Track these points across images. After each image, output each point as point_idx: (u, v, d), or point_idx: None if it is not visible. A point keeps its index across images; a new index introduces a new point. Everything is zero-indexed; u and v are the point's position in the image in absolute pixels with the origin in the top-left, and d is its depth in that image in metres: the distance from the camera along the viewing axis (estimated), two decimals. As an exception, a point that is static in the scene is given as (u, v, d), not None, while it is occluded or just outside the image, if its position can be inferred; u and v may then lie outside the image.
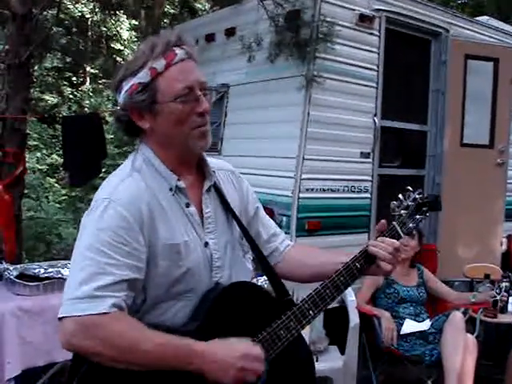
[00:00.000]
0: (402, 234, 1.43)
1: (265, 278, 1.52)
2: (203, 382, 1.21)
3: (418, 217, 1.47)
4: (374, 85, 3.98)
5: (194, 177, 1.39)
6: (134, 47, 11.79)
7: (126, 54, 12.21)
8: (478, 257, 4.31)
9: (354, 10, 3.85)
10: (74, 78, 12.81)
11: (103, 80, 12.53)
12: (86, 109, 11.83)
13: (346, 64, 3.82)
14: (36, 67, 8.25)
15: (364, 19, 3.88)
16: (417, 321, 3.39)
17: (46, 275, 2.73)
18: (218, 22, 4.64)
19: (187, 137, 1.30)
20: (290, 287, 1.44)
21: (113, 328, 1.14)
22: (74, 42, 9.45)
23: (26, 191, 5.29)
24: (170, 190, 1.31)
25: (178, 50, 1.29)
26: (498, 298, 3.39)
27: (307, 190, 3.67)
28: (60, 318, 1.15)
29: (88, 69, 12.58)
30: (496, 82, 4.56)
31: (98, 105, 11.78)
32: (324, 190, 3.76)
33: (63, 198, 9.30)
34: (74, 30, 9.85)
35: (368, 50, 3.94)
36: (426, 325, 3.35)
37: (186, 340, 1.19)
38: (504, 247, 4.78)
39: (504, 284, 3.45)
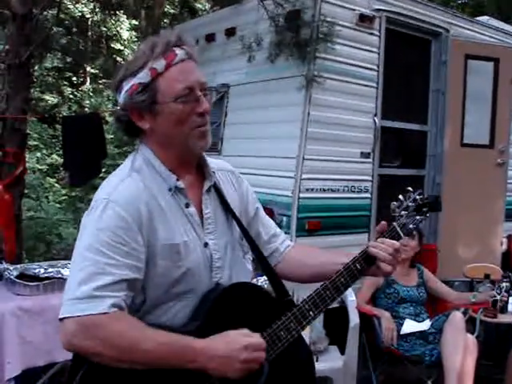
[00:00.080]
0: (402, 235, 1.42)
1: (265, 278, 1.51)
2: (204, 378, 1.21)
3: (418, 217, 1.46)
4: (375, 85, 3.98)
5: (193, 177, 1.39)
6: (134, 47, 11.79)
7: (126, 54, 12.21)
8: (478, 257, 4.30)
9: (354, 9, 3.85)
10: (74, 78, 12.81)
11: (103, 80, 12.53)
12: (86, 109, 11.83)
13: (346, 64, 3.82)
14: (36, 67, 8.24)
15: (364, 19, 3.88)
16: (417, 321, 3.39)
17: (46, 275, 2.73)
18: (218, 21, 4.64)
19: (187, 137, 1.30)
20: (290, 288, 1.44)
21: (113, 328, 1.14)
22: (74, 42, 9.45)
23: (26, 191, 5.29)
24: (170, 190, 1.31)
25: (178, 51, 1.29)
26: (499, 297, 3.39)
27: (307, 190, 3.67)
28: (61, 319, 1.15)
29: (88, 69, 12.58)
30: (496, 82, 4.55)
31: (98, 105, 11.78)
32: (324, 190, 3.76)
33: (63, 197, 9.30)
34: (74, 30, 9.84)
35: (368, 50, 3.94)
36: (426, 325, 3.35)
37: (187, 338, 1.19)
38: (504, 247, 4.78)
39: (504, 284, 3.45)
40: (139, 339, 1.15)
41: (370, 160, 4.00)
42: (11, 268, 2.78)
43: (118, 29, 11.65)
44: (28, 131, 5.02)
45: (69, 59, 11.03)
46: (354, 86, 3.86)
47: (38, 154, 9.90)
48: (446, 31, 4.45)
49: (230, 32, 4.37)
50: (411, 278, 3.59)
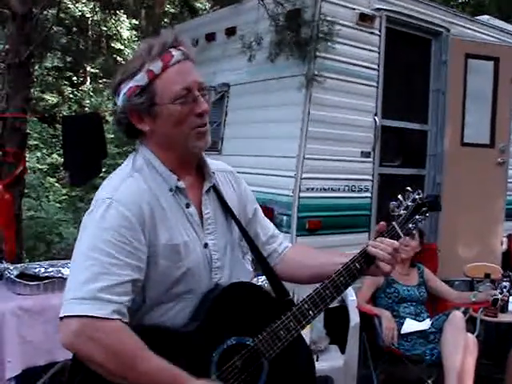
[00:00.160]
0: (401, 235, 1.42)
1: (264, 277, 1.52)
2: None
3: (417, 217, 1.46)
4: (375, 84, 3.98)
5: (193, 178, 1.39)
6: (135, 47, 11.79)
7: (126, 53, 12.21)
8: (478, 256, 4.30)
9: (354, 9, 3.84)
10: (75, 78, 12.80)
11: (103, 79, 12.53)
12: (86, 108, 11.83)
13: (346, 63, 3.81)
14: (36, 67, 8.24)
15: (364, 18, 3.87)
16: (417, 320, 3.39)
17: (46, 275, 2.73)
18: (219, 21, 4.63)
19: (187, 138, 1.30)
20: (291, 288, 1.44)
21: (112, 336, 1.13)
22: (74, 42, 9.44)
23: (26, 191, 5.30)
24: (170, 190, 1.31)
25: (174, 52, 1.29)
26: (500, 297, 3.39)
27: (307, 189, 3.66)
28: (61, 318, 1.14)
29: (88, 68, 12.57)
30: (496, 82, 4.55)
31: (98, 104, 11.79)
32: (324, 190, 3.76)
33: (63, 197, 9.30)
34: (75, 29, 9.83)
35: (368, 50, 3.93)
36: (426, 324, 3.35)
37: (185, 374, 1.17)
38: (504, 246, 4.78)
39: (505, 283, 3.45)
40: (138, 356, 1.14)
41: (371, 159, 4.00)
42: (11, 267, 2.78)
43: (119, 28, 11.64)
44: (28, 131, 5.03)
45: (69, 59, 11.03)
46: (354, 86, 3.86)
47: (38, 154, 9.91)
48: (447, 30, 4.44)
49: (230, 31, 4.36)
50: (411, 278, 3.59)
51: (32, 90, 5.91)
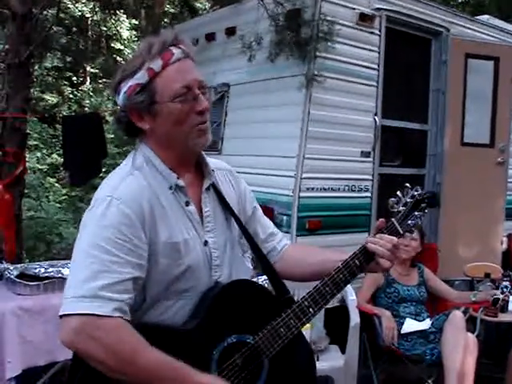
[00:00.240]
0: (400, 231, 1.42)
1: (265, 277, 1.52)
2: None
3: (416, 213, 1.46)
4: (375, 84, 3.98)
5: (193, 176, 1.39)
6: (134, 47, 11.79)
7: (126, 53, 12.21)
8: (478, 256, 4.30)
9: (354, 9, 3.85)
10: (74, 78, 12.81)
11: (103, 79, 12.53)
12: (86, 108, 11.83)
13: (346, 63, 3.81)
14: (36, 67, 8.23)
15: (364, 18, 3.88)
16: (417, 320, 3.39)
17: (46, 275, 2.73)
18: (219, 21, 4.63)
19: (187, 136, 1.30)
20: (291, 287, 1.44)
21: (113, 333, 1.13)
22: (74, 42, 9.44)
23: (26, 191, 5.30)
24: (170, 188, 1.31)
25: (174, 50, 1.29)
26: (501, 297, 3.39)
27: (308, 189, 3.67)
28: (61, 316, 1.14)
29: (88, 68, 12.57)
30: (496, 81, 4.55)
31: (98, 104, 11.79)
32: (324, 189, 3.76)
33: (63, 197, 9.30)
34: (74, 29, 9.83)
35: (368, 49, 3.93)
36: (426, 324, 3.35)
37: (186, 367, 1.17)
38: (504, 246, 4.78)
39: (505, 283, 3.45)
40: (138, 352, 1.14)
41: (371, 159, 4.00)
42: (11, 268, 2.78)
43: (118, 28, 11.64)
44: (28, 131, 5.03)
45: (69, 59, 11.03)
46: (354, 85, 3.86)
47: (38, 154, 9.91)
48: (447, 30, 4.44)
49: (230, 31, 4.36)
50: (412, 278, 3.59)
51: (32, 90, 5.92)
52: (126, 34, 12.49)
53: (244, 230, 1.45)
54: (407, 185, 1.48)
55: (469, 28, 4.63)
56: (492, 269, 3.91)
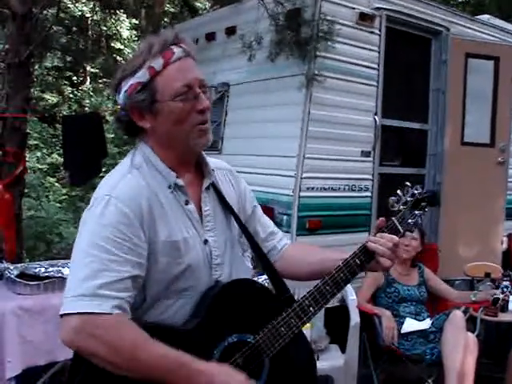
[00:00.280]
0: (401, 230, 1.42)
1: (265, 277, 1.52)
2: None
3: (416, 212, 1.46)
4: (375, 83, 3.98)
5: (192, 175, 1.39)
6: (134, 46, 11.78)
7: (126, 53, 12.20)
8: (478, 255, 4.30)
9: (354, 8, 3.84)
10: (75, 78, 12.81)
11: (103, 79, 12.53)
12: (86, 108, 11.83)
13: (346, 63, 3.81)
14: (36, 66, 8.24)
15: (364, 18, 3.88)
16: (417, 320, 3.39)
17: (46, 274, 2.72)
18: (219, 20, 4.63)
19: (188, 135, 1.30)
20: (291, 286, 1.44)
21: (114, 330, 1.13)
22: (74, 42, 9.44)
23: (26, 190, 5.30)
24: (169, 187, 1.31)
25: (175, 49, 1.29)
26: (501, 297, 3.39)
27: (308, 188, 3.67)
28: (62, 315, 1.15)
29: (88, 68, 12.57)
30: (496, 81, 4.55)
31: (98, 104, 11.79)
32: (325, 189, 3.76)
33: (63, 197, 9.31)
34: (74, 29, 9.81)
35: (368, 49, 3.93)
36: (426, 324, 3.35)
37: (187, 356, 1.17)
38: (505, 246, 4.78)
39: (506, 283, 3.45)
40: (140, 347, 1.14)
41: (371, 159, 4.00)
42: (11, 267, 2.78)
43: (118, 28, 11.64)
44: (28, 130, 5.03)
45: (69, 58, 11.02)
46: (354, 85, 3.86)
47: (39, 154, 9.91)
48: (447, 30, 4.44)
49: (230, 31, 4.36)
50: (412, 278, 3.59)
51: (32, 90, 5.92)
52: (126, 33, 12.49)
53: (244, 229, 1.45)
54: (407, 183, 1.48)
55: (469, 28, 4.62)
56: (492, 268, 3.91)
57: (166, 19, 10.62)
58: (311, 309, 1.34)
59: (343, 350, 3.21)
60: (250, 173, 3.60)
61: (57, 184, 9.69)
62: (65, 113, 11.03)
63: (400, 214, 1.43)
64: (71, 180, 5.10)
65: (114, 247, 1.18)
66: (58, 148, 9.90)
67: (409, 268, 3.61)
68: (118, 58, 11.77)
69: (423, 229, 3.68)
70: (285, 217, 3.66)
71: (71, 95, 12.40)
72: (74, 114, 11.20)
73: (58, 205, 8.74)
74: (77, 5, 9.89)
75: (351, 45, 3.84)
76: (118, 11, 9.82)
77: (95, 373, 1.15)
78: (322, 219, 3.71)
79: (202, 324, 1.26)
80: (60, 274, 2.71)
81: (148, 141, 1.34)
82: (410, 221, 1.45)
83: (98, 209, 1.22)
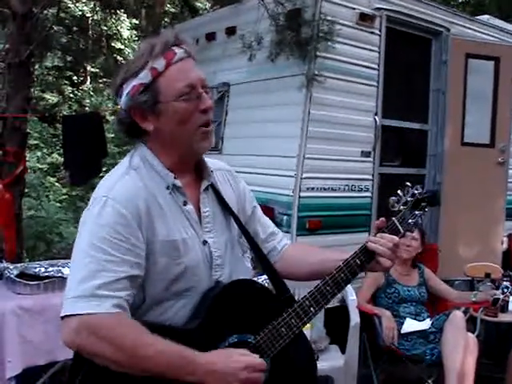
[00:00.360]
0: (401, 230, 1.42)
1: (265, 277, 1.52)
2: None
3: (417, 212, 1.46)
4: (375, 84, 3.98)
5: (191, 177, 1.39)
6: (135, 46, 11.79)
7: (126, 53, 12.22)
8: (478, 256, 4.30)
9: (354, 8, 3.85)
10: (75, 77, 12.81)
11: (104, 79, 12.54)
12: (86, 108, 11.83)
13: (346, 63, 3.82)
14: (36, 66, 8.23)
15: (365, 18, 3.88)
16: (417, 320, 3.39)
17: (46, 274, 2.73)
18: (219, 20, 4.63)
19: (192, 137, 1.30)
20: (292, 286, 1.44)
21: (114, 329, 1.14)
22: (74, 41, 9.45)
23: (26, 190, 5.30)
24: (167, 188, 1.31)
25: (177, 49, 1.29)
26: (501, 297, 3.39)
27: (308, 188, 3.67)
28: (62, 317, 1.15)
29: (88, 68, 12.58)
30: (497, 81, 4.55)
31: (98, 104, 11.79)
32: (325, 189, 3.76)
33: (64, 197, 9.31)
34: (75, 29, 9.83)
35: (369, 49, 3.94)
36: (426, 324, 3.35)
37: (188, 350, 1.18)
38: (505, 246, 4.78)
39: (506, 283, 3.45)
40: (140, 344, 1.14)
41: (371, 159, 4.00)
42: (11, 267, 2.78)
43: (119, 28, 11.65)
44: (28, 130, 5.03)
45: (69, 58, 11.04)
46: (354, 85, 3.86)
47: (39, 153, 9.90)
48: (447, 30, 4.44)
49: (231, 31, 4.36)
50: (412, 278, 3.59)
51: (32, 90, 5.91)
52: (126, 33, 12.50)
53: (244, 229, 1.44)
54: (408, 183, 1.48)
55: (469, 28, 4.63)
56: (492, 269, 3.91)
57: (166, 19, 10.63)
58: (312, 309, 1.34)
59: (343, 351, 3.21)
60: (250, 173, 3.60)
61: (57, 184, 9.69)
62: (65, 112, 11.04)
63: (400, 214, 1.44)
64: (71, 180, 5.09)
65: (111, 248, 1.18)
66: (58, 148, 9.90)
67: (409, 268, 3.61)
68: (118, 57, 11.78)
69: (423, 229, 3.68)
70: (285, 217, 3.66)
71: (71, 95, 12.41)
72: (74, 113, 11.20)
73: (58, 204, 8.74)
74: (77, 4, 9.90)
75: (351, 45, 3.84)
76: (118, 11, 9.83)
77: (95, 373, 1.16)
78: (322, 219, 3.72)
79: (202, 324, 1.26)
80: (60, 274, 2.71)
81: (149, 143, 1.34)
82: (410, 221, 1.45)
83: (96, 209, 1.22)
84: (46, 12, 5.98)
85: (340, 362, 3.12)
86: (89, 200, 1.29)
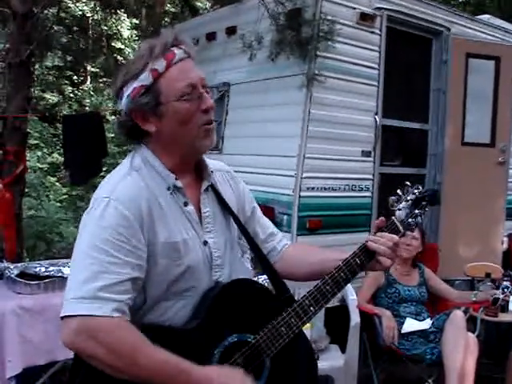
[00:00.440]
0: (401, 229, 1.42)
1: (265, 277, 1.52)
2: None
3: (416, 211, 1.46)
4: (375, 83, 3.98)
5: (192, 177, 1.39)
6: (135, 46, 11.79)
7: (126, 52, 12.22)
8: (479, 256, 4.30)
9: (355, 8, 3.84)
10: (75, 77, 12.82)
11: (104, 79, 12.55)
12: (86, 108, 11.83)
13: (347, 62, 3.81)
14: (37, 66, 8.24)
15: (365, 18, 3.87)
16: (418, 320, 3.39)
17: (46, 274, 2.73)
18: (219, 20, 4.63)
19: (194, 136, 1.30)
20: (291, 286, 1.43)
21: (114, 334, 1.13)
22: (74, 41, 9.46)
23: (26, 190, 5.30)
24: (168, 189, 1.31)
25: (176, 50, 1.29)
26: (501, 297, 3.39)
27: (308, 188, 3.66)
28: (62, 317, 1.15)
29: (89, 67, 12.59)
30: (497, 81, 4.55)
31: (98, 104, 11.79)
32: (325, 189, 3.76)
33: (64, 196, 9.31)
34: (75, 28, 9.85)
35: (369, 49, 3.93)
36: (426, 324, 3.35)
37: (186, 363, 1.17)
38: (505, 246, 4.78)
39: (506, 283, 3.45)
40: (138, 351, 1.14)
41: (371, 159, 4.00)
42: (12, 267, 2.78)
43: (119, 27, 11.65)
44: (28, 130, 5.03)
45: (69, 58, 11.05)
46: (354, 85, 3.86)
47: (39, 153, 9.90)
48: (447, 30, 4.44)
49: (231, 31, 4.36)
50: (412, 278, 3.58)
51: (32, 90, 5.92)
52: (126, 33, 12.51)
53: (243, 230, 1.44)
54: (407, 183, 1.48)
55: (469, 27, 4.62)
56: (492, 269, 3.91)
57: (166, 19, 10.63)
58: (311, 308, 1.34)
59: (343, 350, 3.21)
60: (251, 172, 3.60)
61: (57, 183, 9.69)
62: (65, 112, 11.03)
63: (400, 214, 1.43)
64: (71, 179, 5.10)
65: (114, 249, 1.18)
66: (58, 147, 9.90)
67: (409, 268, 3.61)
68: (118, 57, 11.80)
69: (423, 228, 3.68)
70: (285, 217, 3.66)
71: (72, 95, 12.41)
72: (74, 113, 11.20)
73: (59, 204, 8.75)
74: (77, 4, 9.90)
75: (352, 45, 3.84)
76: (118, 11, 9.84)
77: (95, 375, 1.15)
78: (323, 219, 3.71)
79: (202, 324, 1.26)
80: (60, 274, 2.71)
81: (150, 144, 1.34)
82: (410, 220, 1.45)
83: (98, 211, 1.22)
84: (46, 12, 5.98)
85: (340, 361, 3.12)
86: (89, 200, 1.29)
